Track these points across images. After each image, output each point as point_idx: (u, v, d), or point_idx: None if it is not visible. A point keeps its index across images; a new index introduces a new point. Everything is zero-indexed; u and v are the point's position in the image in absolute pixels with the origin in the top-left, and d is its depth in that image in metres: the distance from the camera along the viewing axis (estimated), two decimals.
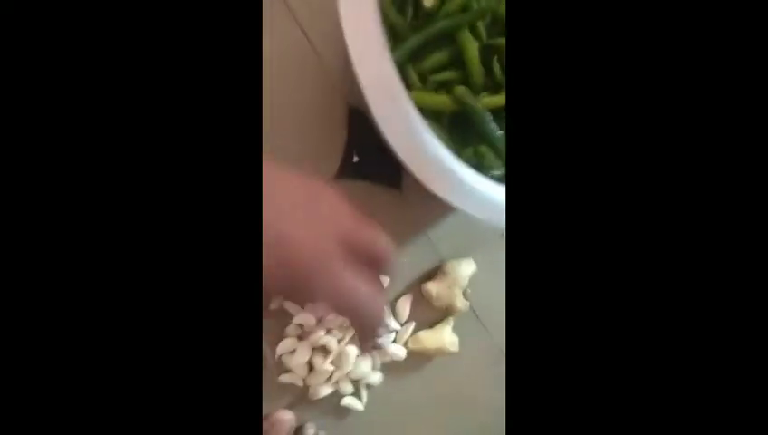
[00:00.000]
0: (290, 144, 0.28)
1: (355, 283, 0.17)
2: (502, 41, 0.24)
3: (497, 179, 0.21)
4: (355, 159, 0.29)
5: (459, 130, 0.24)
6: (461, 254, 0.30)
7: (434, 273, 0.30)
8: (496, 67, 0.24)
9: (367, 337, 0.18)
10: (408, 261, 0.30)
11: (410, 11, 0.25)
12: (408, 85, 0.19)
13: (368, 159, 0.29)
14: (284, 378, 0.29)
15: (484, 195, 0.20)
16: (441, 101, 0.23)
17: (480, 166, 0.21)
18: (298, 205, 0.16)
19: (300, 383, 0.29)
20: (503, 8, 0.24)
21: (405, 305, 0.30)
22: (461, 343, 0.30)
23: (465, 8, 0.24)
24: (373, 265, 0.18)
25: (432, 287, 0.29)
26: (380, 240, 0.18)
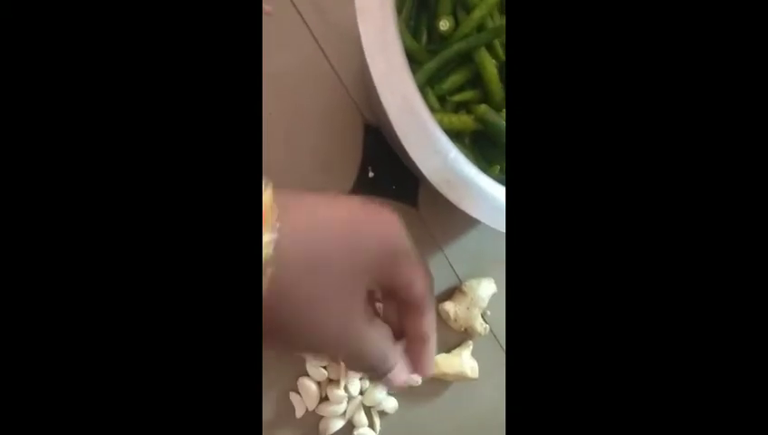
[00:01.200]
0: (306, 159, 0.29)
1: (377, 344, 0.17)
2: None
3: None
4: (370, 174, 0.30)
5: (483, 149, 0.25)
6: (480, 273, 0.30)
7: (451, 293, 0.30)
8: None
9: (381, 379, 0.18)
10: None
11: (425, 35, 0.26)
12: (428, 108, 0.20)
13: (383, 175, 0.30)
14: (293, 399, 0.29)
15: None
16: (462, 121, 0.24)
17: None
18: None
19: (309, 409, 0.29)
20: None
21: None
22: (481, 369, 0.30)
23: (480, 28, 0.25)
24: (408, 308, 0.17)
25: (450, 308, 0.29)
26: (419, 284, 0.17)
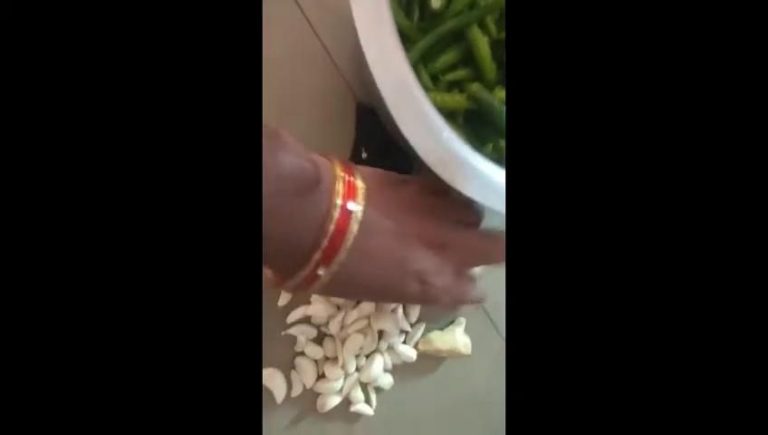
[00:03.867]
0: (298, 140, 0.30)
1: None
2: None
3: None
4: (364, 155, 0.30)
5: (476, 128, 0.26)
6: None
7: None
8: None
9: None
10: None
11: (417, 12, 0.26)
12: (422, 87, 0.20)
13: (377, 156, 0.30)
14: (291, 377, 0.30)
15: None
16: (455, 100, 0.25)
17: (501, 161, 0.22)
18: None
19: (307, 386, 0.30)
20: None
21: (415, 305, 0.31)
22: (473, 345, 0.32)
23: (472, 5, 0.26)
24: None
25: None
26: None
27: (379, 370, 0.30)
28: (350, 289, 0.22)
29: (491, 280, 0.31)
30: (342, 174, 0.20)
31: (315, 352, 0.30)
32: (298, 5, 0.29)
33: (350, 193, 0.20)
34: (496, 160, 0.21)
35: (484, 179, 0.20)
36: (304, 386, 0.30)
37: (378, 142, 0.30)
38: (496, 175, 0.20)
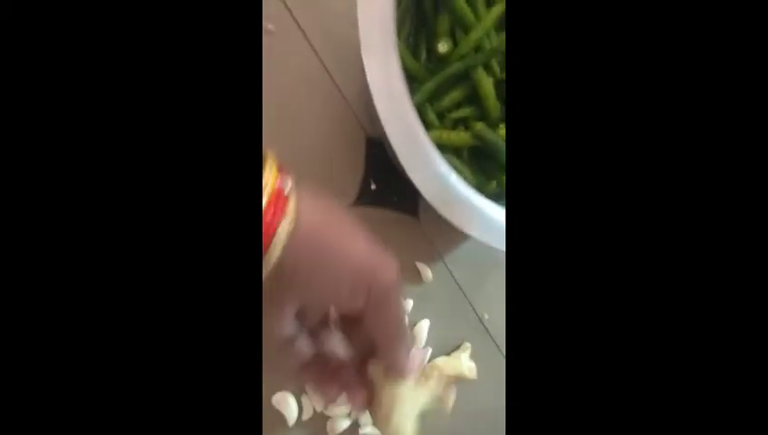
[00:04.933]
0: (309, 172, 0.31)
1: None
2: None
3: None
4: (372, 186, 0.32)
5: (480, 164, 0.27)
6: (478, 279, 0.33)
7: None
8: None
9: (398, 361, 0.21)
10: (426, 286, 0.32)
11: (424, 55, 0.28)
12: (427, 124, 0.22)
13: (385, 187, 0.32)
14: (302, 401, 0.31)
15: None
16: (460, 137, 0.26)
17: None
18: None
19: (317, 410, 0.31)
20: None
21: (422, 330, 0.32)
22: (479, 370, 0.32)
23: (477, 49, 0.27)
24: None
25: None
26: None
27: None
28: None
29: (497, 307, 0.32)
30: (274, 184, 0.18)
31: None
32: (309, 43, 0.31)
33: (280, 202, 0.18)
34: (499, 196, 0.23)
35: (486, 220, 0.21)
36: (315, 410, 0.31)
37: (386, 174, 0.31)
38: (495, 212, 0.22)
